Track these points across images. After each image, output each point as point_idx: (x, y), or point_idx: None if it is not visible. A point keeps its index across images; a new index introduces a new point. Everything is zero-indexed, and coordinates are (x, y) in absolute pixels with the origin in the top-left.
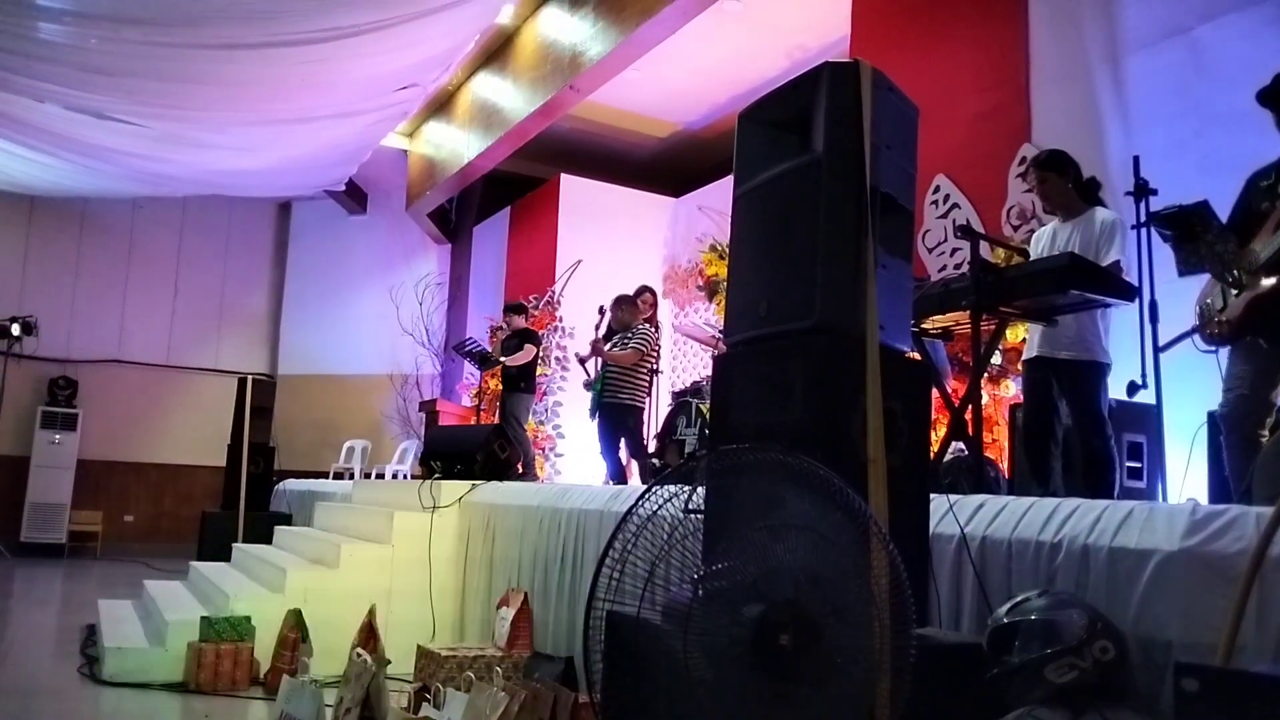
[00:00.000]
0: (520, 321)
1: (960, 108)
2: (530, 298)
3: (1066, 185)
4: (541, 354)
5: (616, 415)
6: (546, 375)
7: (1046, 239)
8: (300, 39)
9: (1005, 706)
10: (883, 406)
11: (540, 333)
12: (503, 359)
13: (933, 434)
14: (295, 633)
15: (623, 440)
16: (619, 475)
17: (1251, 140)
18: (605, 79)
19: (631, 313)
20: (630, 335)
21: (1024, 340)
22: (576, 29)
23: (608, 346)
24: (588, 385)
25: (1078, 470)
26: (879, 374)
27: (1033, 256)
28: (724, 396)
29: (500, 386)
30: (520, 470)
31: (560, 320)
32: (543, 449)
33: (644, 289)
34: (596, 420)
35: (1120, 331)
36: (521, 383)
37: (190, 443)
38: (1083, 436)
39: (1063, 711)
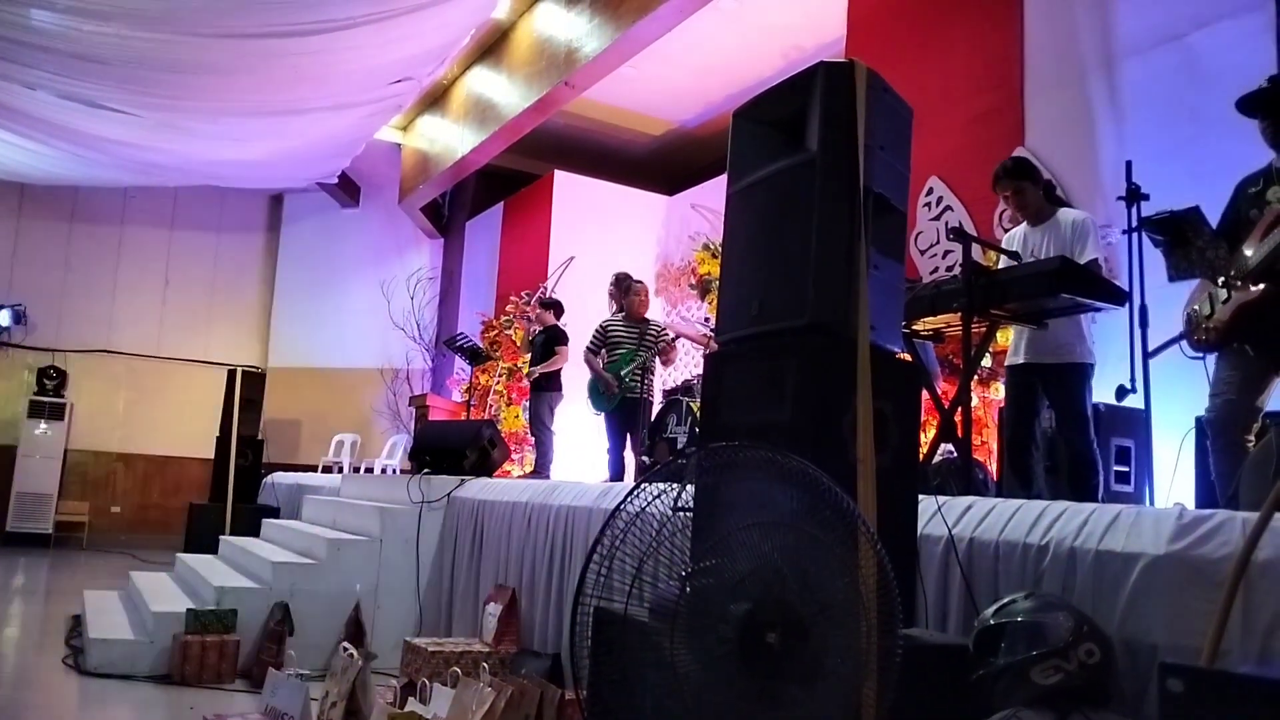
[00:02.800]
0: (550, 318)
1: (954, 110)
2: (522, 293)
3: (1039, 192)
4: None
5: (635, 410)
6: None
7: (1018, 243)
8: (295, 30)
9: (990, 708)
10: (873, 407)
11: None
12: (537, 369)
13: (922, 435)
14: (281, 626)
15: (629, 436)
16: (620, 472)
17: (1243, 147)
18: (600, 76)
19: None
20: (657, 334)
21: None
22: (572, 25)
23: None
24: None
25: (1062, 472)
26: (870, 374)
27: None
28: (715, 394)
29: (489, 382)
30: (534, 469)
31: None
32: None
33: (637, 282)
34: (615, 414)
35: (1110, 336)
36: (546, 382)
37: (179, 434)
38: (1066, 438)
39: (1048, 713)
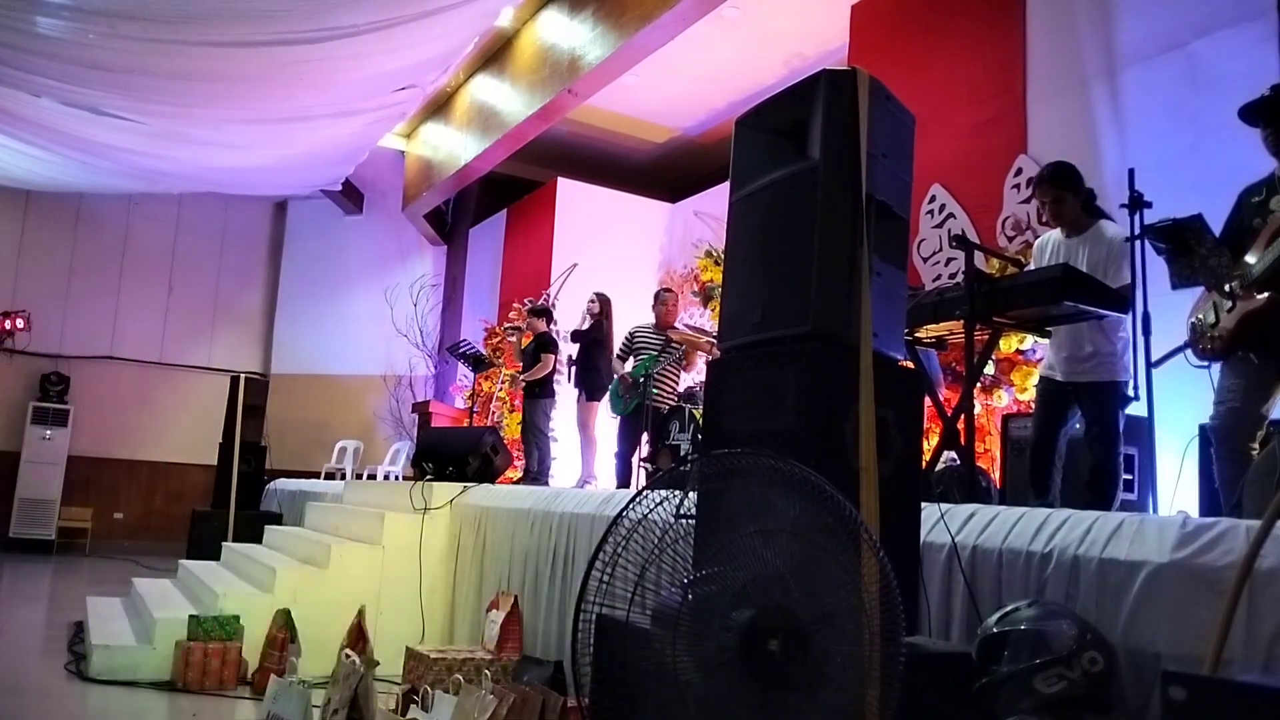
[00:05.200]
0: (541, 325)
1: (957, 118)
2: (525, 301)
3: (1079, 203)
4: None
5: (651, 417)
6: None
7: (1050, 251)
8: (300, 38)
9: (994, 716)
10: (875, 414)
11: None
12: (522, 376)
13: (925, 443)
14: (284, 633)
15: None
16: (626, 477)
17: (1246, 155)
18: (604, 83)
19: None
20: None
21: (1016, 350)
22: (576, 33)
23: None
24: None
25: (1074, 482)
26: (872, 381)
27: (1035, 266)
28: (717, 402)
29: (487, 386)
30: (533, 474)
31: (555, 324)
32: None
33: (666, 290)
34: (628, 420)
35: None
36: (538, 389)
37: (182, 441)
38: (1094, 451)
39: None
